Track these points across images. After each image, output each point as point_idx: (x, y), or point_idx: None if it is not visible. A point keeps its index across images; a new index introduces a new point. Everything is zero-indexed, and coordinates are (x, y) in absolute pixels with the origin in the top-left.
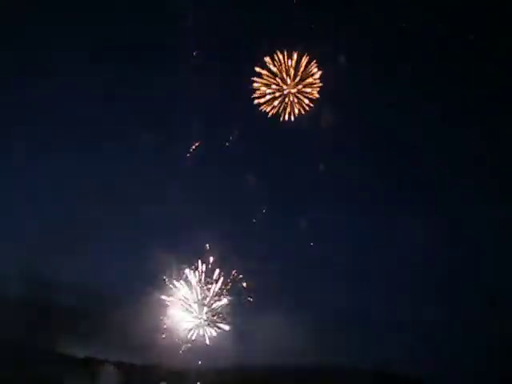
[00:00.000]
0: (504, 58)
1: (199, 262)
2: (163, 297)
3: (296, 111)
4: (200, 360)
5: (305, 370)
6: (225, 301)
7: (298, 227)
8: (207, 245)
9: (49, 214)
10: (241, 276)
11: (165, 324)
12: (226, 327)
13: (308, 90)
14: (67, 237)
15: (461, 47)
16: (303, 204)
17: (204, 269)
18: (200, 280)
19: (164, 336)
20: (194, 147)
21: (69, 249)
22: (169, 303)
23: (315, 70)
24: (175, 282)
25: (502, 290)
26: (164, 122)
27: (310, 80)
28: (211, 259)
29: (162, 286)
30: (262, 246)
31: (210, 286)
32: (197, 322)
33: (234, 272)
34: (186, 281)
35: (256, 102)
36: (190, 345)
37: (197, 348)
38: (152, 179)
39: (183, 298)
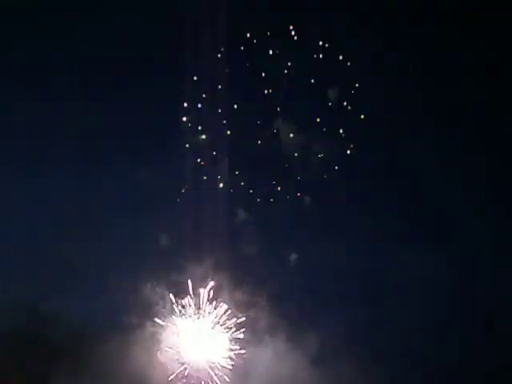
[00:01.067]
0: None
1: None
2: (155, 330)
3: None
4: None
5: None
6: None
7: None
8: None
9: (35, 248)
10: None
11: (158, 359)
12: (224, 362)
13: None
14: (55, 271)
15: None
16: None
17: (195, 302)
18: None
19: (157, 372)
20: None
21: (56, 283)
22: (161, 337)
23: None
24: (167, 315)
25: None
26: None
27: None
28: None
29: (153, 320)
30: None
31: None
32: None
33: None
34: (179, 314)
35: None
36: (184, 381)
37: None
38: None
39: (176, 333)
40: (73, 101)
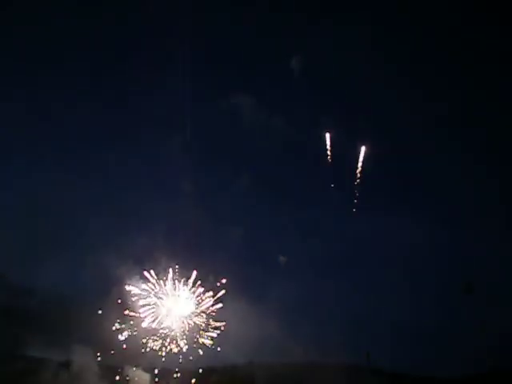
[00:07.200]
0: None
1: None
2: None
3: None
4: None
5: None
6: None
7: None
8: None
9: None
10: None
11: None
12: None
13: None
14: (36, 243)
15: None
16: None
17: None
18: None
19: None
20: None
21: (40, 255)
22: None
23: None
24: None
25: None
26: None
27: None
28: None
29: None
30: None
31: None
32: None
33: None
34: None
35: None
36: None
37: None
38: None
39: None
40: None
